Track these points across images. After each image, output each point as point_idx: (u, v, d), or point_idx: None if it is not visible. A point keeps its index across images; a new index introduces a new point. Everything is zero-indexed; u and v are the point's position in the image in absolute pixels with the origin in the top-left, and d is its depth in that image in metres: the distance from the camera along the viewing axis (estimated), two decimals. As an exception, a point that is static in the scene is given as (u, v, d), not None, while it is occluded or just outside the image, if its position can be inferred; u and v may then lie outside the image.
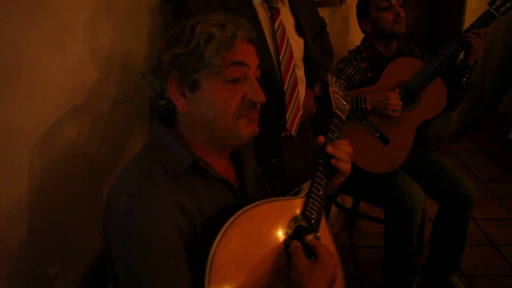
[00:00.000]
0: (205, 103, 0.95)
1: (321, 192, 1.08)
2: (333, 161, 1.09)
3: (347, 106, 1.23)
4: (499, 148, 3.98)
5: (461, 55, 2.04)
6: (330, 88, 1.22)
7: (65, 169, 1.44)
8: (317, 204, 1.06)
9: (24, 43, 1.28)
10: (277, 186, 1.54)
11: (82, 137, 1.46)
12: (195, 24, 0.94)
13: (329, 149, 1.09)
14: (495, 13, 1.90)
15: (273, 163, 1.59)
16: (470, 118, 4.54)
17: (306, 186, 1.09)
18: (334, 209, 2.59)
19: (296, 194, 1.08)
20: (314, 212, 1.05)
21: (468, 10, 3.76)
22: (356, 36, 2.31)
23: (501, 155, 3.86)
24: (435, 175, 2.11)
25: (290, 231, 0.98)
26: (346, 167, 1.10)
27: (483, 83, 4.52)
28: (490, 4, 1.91)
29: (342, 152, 1.09)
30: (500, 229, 2.81)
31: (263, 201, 0.97)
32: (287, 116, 1.54)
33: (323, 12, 2.22)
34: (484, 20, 1.92)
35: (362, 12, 2.16)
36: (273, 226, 0.97)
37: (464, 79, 2.04)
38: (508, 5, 1.89)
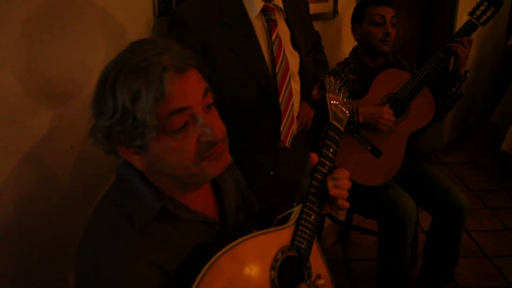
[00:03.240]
0: (160, 160, 0.88)
1: (312, 218, 1.02)
2: (339, 202, 1.02)
3: (346, 112, 1.13)
4: (491, 159, 4.04)
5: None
6: (327, 94, 1.11)
7: (57, 184, 1.45)
8: (307, 231, 1.01)
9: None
10: (271, 198, 1.57)
11: (75, 151, 1.47)
12: (114, 83, 0.83)
13: (333, 191, 1.01)
14: (477, 23, 1.96)
15: (270, 175, 1.61)
16: (462, 130, 4.61)
17: (296, 210, 1.03)
18: (327, 221, 2.61)
19: (287, 217, 1.04)
20: (303, 241, 1.00)
21: (459, 22, 3.85)
22: (348, 48, 2.35)
23: (493, 166, 3.92)
24: (428, 186, 2.15)
25: (277, 265, 0.94)
26: (346, 205, 1.04)
27: (474, 94, 4.59)
28: (471, 14, 1.98)
29: (345, 192, 1.03)
30: (493, 240, 2.85)
31: (247, 237, 0.91)
32: (281, 128, 1.57)
33: (316, 25, 2.26)
34: (466, 29, 1.98)
35: (356, 19, 2.21)
36: (257, 263, 0.91)
37: (454, 89, 2.08)
38: (488, 14, 1.96)
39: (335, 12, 2.50)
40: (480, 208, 3.25)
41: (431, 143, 4.22)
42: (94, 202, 1.53)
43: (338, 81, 2.04)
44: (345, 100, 1.14)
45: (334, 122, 1.08)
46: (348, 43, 2.36)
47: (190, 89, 0.87)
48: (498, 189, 3.55)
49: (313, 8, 2.30)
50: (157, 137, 0.84)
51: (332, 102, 1.10)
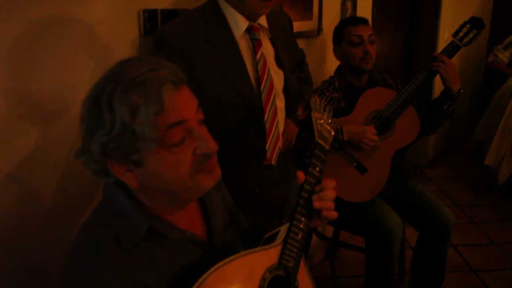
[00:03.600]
0: (156, 175, 0.88)
1: (299, 236, 1.03)
2: (323, 213, 1.04)
3: (331, 131, 1.14)
4: (475, 174, 4.09)
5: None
6: (313, 113, 1.12)
7: (39, 204, 1.43)
8: (295, 250, 1.01)
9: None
10: (258, 216, 1.57)
11: (59, 171, 1.47)
12: (110, 98, 0.83)
13: (316, 204, 1.02)
14: (459, 44, 2.02)
15: (255, 192, 1.62)
16: (446, 145, 4.67)
17: (284, 229, 1.03)
18: (315, 238, 2.61)
19: (274, 236, 1.04)
20: (291, 259, 1.01)
21: (441, 40, 3.94)
22: (333, 66, 2.39)
23: (478, 181, 3.97)
24: (413, 202, 2.17)
25: (265, 284, 0.94)
26: (334, 215, 1.05)
27: (458, 110, 4.66)
28: (454, 35, 2.04)
29: (330, 203, 1.04)
30: (479, 254, 2.88)
31: (235, 256, 0.92)
32: (267, 146, 1.58)
33: (300, 43, 2.30)
34: (449, 50, 2.03)
35: (336, 40, 2.26)
36: (245, 283, 0.91)
37: (446, 106, 2.11)
38: (471, 36, 2.03)
39: (319, 30, 2.54)
40: (466, 223, 3.29)
41: (416, 158, 4.27)
42: (78, 222, 1.52)
43: (322, 100, 2.09)
44: (329, 120, 1.15)
45: (319, 141, 1.09)
46: (332, 61, 2.39)
47: (186, 102, 0.89)
48: (483, 203, 3.60)
49: (298, 26, 2.34)
50: (155, 151, 0.85)
51: (317, 121, 1.11)
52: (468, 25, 2.04)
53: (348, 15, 2.76)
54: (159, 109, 0.83)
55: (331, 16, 2.65)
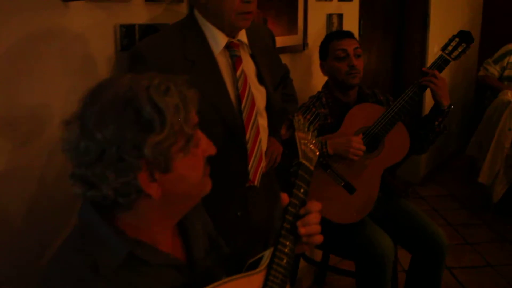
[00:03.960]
0: (181, 179, 0.92)
1: (284, 261, 1.03)
2: (304, 239, 1.05)
3: (316, 151, 1.16)
4: (469, 192, 4.14)
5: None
6: (296, 133, 1.14)
7: (9, 227, 1.42)
8: (279, 276, 1.01)
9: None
10: (241, 242, 1.57)
11: (30, 192, 1.45)
12: (150, 98, 0.86)
13: (302, 230, 1.04)
14: (448, 58, 2.07)
15: (238, 216, 1.62)
16: (438, 162, 4.72)
17: (268, 254, 1.03)
18: (302, 263, 2.61)
19: (257, 261, 1.04)
20: (275, 286, 1.01)
21: (431, 54, 4.01)
22: (319, 81, 2.42)
23: (471, 199, 4.01)
24: (405, 223, 2.18)
25: None
26: (320, 239, 1.07)
27: (449, 126, 4.73)
28: (443, 49, 2.09)
29: (315, 227, 1.06)
30: (475, 277, 2.89)
31: (217, 284, 0.93)
32: (249, 166, 1.58)
33: (285, 58, 2.32)
34: (439, 64, 2.08)
35: (322, 56, 2.30)
36: None
37: (437, 123, 2.14)
38: (460, 49, 2.08)
39: (305, 44, 2.58)
40: (460, 244, 3.31)
41: (407, 176, 4.31)
42: (49, 249, 1.51)
43: (307, 118, 2.12)
44: (314, 140, 1.17)
45: (304, 161, 1.10)
46: (319, 76, 2.42)
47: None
48: (477, 223, 3.63)
49: (282, 40, 2.37)
50: (184, 153, 0.90)
51: (301, 141, 1.13)
52: (457, 39, 2.09)
53: (334, 29, 2.81)
54: (189, 108, 0.90)
55: (317, 30, 2.69)
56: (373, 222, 2.11)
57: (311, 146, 1.14)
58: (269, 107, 1.67)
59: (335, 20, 2.82)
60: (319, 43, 2.34)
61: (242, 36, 1.58)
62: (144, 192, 0.88)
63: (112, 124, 0.84)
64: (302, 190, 1.07)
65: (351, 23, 3.03)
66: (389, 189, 2.26)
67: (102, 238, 0.90)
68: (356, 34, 2.87)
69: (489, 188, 3.63)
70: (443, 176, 4.59)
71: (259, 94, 1.62)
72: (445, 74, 2.10)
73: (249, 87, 1.55)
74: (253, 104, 1.56)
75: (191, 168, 0.93)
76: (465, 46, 2.08)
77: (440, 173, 4.65)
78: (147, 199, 0.90)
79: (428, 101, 3.79)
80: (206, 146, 0.97)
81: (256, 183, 1.62)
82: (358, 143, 2.00)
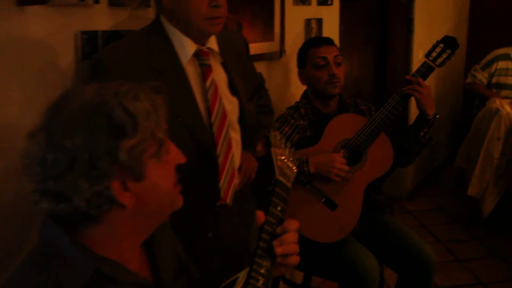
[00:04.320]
0: (154, 187, 0.94)
1: (260, 283, 1.03)
2: (279, 260, 1.05)
3: (294, 168, 1.18)
4: (458, 206, 4.19)
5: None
6: (272, 149, 1.16)
7: None
8: None
9: None
10: (214, 264, 1.56)
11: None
12: (121, 103, 0.88)
13: (278, 250, 1.05)
14: (433, 65, 2.11)
15: (209, 237, 1.61)
16: (426, 175, 4.77)
17: (242, 276, 1.04)
18: (282, 286, 2.60)
19: (231, 284, 1.05)
20: None
21: (415, 60, 4.08)
22: (298, 91, 2.44)
23: (461, 214, 4.06)
24: (390, 240, 2.20)
25: None
26: (296, 260, 1.08)
27: (437, 136, 4.80)
28: (426, 56, 2.13)
29: (292, 246, 1.07)
30: (465, 296, 2.93)
31: None
32: (220, 183, 1.58)
33: (260, 67, 2.34)
34: (423, 72, 2.11)
35: (300, 63, 2.31)
36: None
37: (422, 133, 2.16)
38: (444, 56, 2.12)
39: (282, 51, 2.60)
40: (450, 261, 3.34)
41: (394, 190, 4.34)
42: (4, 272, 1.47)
43: (285, 131, 2.12)
44: (291, 157, 1.18)
45: (280, 178, 1.11)
46: (297, 85, 2.44)
47: None
48: (468, 238, 3.68)
49: (258, 47, 2.39)
50: (156, 159, 0.92)
51: (278, 157, 1.14)
52: (441, 45, 2.13)
53: (313, 34, 2.84)
54: (162, 114, 0.94)
55: (295, 36, 2.72)
56: (356, 241, 2.12)
57: (289, 163, 1.16)
58: (242, 120, 1.67)
59: (314, 25, 2.85)
60: (297, 50, 2.36)
61: (212, 43, 1.58)
62: (117, 201, 0.89)
63: (82, 130, 0.85)
64: (279, 208, 1.09)
65: (331, 29, 3.06)
66: (373, 205, 2.27)
67: (66, 256, 0.90)
68: (336, 40, 2.91)
69: (479, 201, 3.68)
70: (431, 190, 4.64)
71: (231, 106, 1.62)
72: (431, 81, 2.13)
73: (220, 98, 1.55)
74: (224, 116, 1.56)
75: (163, 175, 0.96)
76: (450, 52, 2.12)
77: (428, 186, 4.71)
78: (118, 211, 0.91)
79: (414, 110, 3.84)
80: (175, 154, 1.00)
81: (228, 201, 1.62)
82: (341, 163, 2.02)
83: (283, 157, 1.15)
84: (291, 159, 1.18)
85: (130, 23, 1.74)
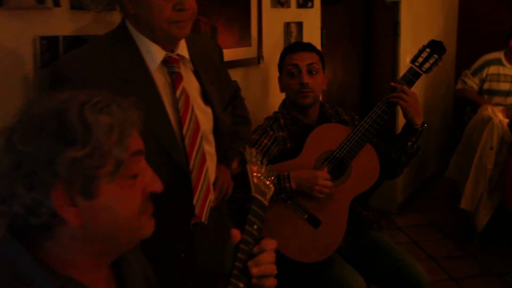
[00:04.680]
0: (106, 210, 0.93)
1: None
2: (254, 281, 1.06)
3: (271, 186, 1.20)
4: (451, 220, 4.23)
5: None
6: (248, 166, 1.19)
7: None
8: None
9: None
10: (187, 287, 1.55)
11: None
12: (80, 112, 0.89)
13: (254, 270, 1.06)
14: (419, 71, 2.14)
15: (181, 258, 1.59)
16: (416, 187, 4.82)
17: None
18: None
19: None
20: None
21: (402, 66, 4.11)
22: (277, 100, 2.45)
23: (454, 228, 4.10)
24: (379, 259, 2.20)
25: None
26: (273, 283, 1.09)
27: (427, 146, 4.85)
28: (412, 62, 2.17)
29: (269, 267, 1.08)
30: (460, 318, 2.95)
31: None
32: (194, 200, 1.57)
33: (237, 74, 2.35)
34: (409, 78, 2.14)
35: (279, 69, 2.33)
36: None
37: (410, 143, 2.18)
38: (431, 61, 2.15)
39: (259, 57, 2.61)
40: (443, 280, 3.36)
41: (382, 205, 4.36)
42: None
43: (264, 143, 2.12)
44: (268, 174, 1.21)
45: (257, 196, 1.14)
46: (276, 94, 2.45)
47: (139, 137, 1.00)
48: (462, 254, 3.71)
49: (233, 53, 2.40)
50: (113, 179, 0.91)
51: (253, 174, 1.17)
52: (427, 49, 2.17)
53: (293, 39, 2.86)
54: (130, 132, 0.93)
55: (273, 41, 2.74)
56: (342, 260, 2.12)
57: (265, 181, 1.19)
58: (216, 131, 1.67)
59: (293, 29, 2.88)
60: (275, 56, 2.38)
61: (182, 50, 1.58)
62: (58, 215, 0.89)
63: (34, 135, 0.88)
64: (255, 227, 1.10)
65: (312, 33, 3.09)
66: (360, 221, 2.28)
67: (25, 275, 0.89)
68: (317, 44, 2.94)
69: (472, 214, 3.72)
70: (422, 203, 4.68)
71: (205, 116, 1.62)
72: (419, 88, 2.16)
73: (192, 108, 1.55)
74: (197, 127, 1.56)
75: (121, 199, 0.93)
76: (437, 57, 2.16)
77: (419, 199, 4.75)
78: (66, 227, 0.91)
79: (402, 118, 3.87)
80: (149, 181, 0.98)
81: (203, 219, 1.61)
82: (324, 180, 2.03)
83: (259, 174, 1.18)
84: (269, 178, 1.21)
85: (93, 28, 1.73)
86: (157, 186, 1.00)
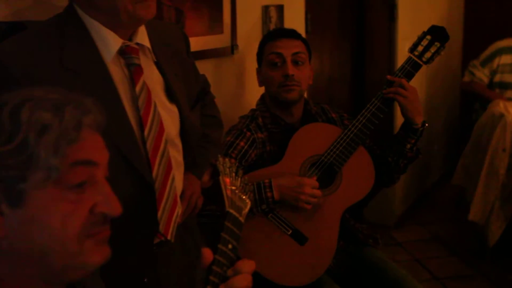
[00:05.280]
0: (35, 223, 0.91)
1: None
2: None
3: (247, 201, 1.21)
4: (458, 234, 4.28)
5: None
6: (221, 177, 1.20)
7: None
8: None
9: None
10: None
11: None
12: (18, 108, 0.91)
13: None
14: (419, 61, 2.16)
15: (144, 283, 1.59)
16: (418, 196, 4.86)
17: None
18: None
19: None
20: None
21: (400, 55, 4.13)
22: (255, 96, 2.45)
23: (462, 243, 4.14)
24: (374, 280, 2.22)
25: None
26: None
27: (430, 149, 4.89)
28: (411, 51, 2.18)
29: None
30: None
31: None
32: (159, 214, 1.56)
33: (207, 66, 2.35)
34: (407, 70, 2.16)
35: (258, 60, 2.34)
36: None
37: (408, 146, 2.19)
38: (433, 50, 2.17)
39: (233, 46, 2.61)
40: (450, 303, 3.41)
41: (378, 217, 4.39)
42: None
43: (240, 145, 2.12)
44: (245, 188, 1.22)
45: (231, 211, 1.14)
46: (254, 89, 2.45)
47: (101, 149, 1.01)
48: (471, 274, 3.74)
49: (203, 42, 2.39)
50: (44, 188, 0.90)
51: (227, 186, 1.18)
52: (428, 37, 2.18)
53: (272, 25, 2.86)
54: (73, 138, 0.92)
55: (249, 27, 2.74)
56: (332, 281, 2.13)
57: (241, 194, 1.20)
58: (183, 133, 1.66)
59: (273, 13, 2.88)
60: (252, 45, 2.38)
61: (142, 37, 1.57)
62: None
63: None
64: (230, 246, 1.11)
65: (295, 17, 3.11)
66: (353, 236, 2.30)
67: None
68: (302, 31, 2.94)
69: (483, 227, 3.75)
70: (425, 215, 4.72)
71: (170, 116, 1.61)
72: (420, 81, 2.18)
73: (155, 106, 1.54)
74: (161, 129, 1.55)
75: (56, 213, 0.92)
76: (438, 45, 2.18)
77: (421, 211, 4.79)
78: None
79: (400, 116, 3.90)
80: (102, 199, 0.97)
81: (169, 237, 1.61)
82: (311, 188, 2.03)
83: (233, 188, 1.19)
84: (246, 187, 1.23)
85: (34, 12, 1.71)
86: (112, 208, 0.98)
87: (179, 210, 1.65)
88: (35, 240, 0.92)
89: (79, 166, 0.93)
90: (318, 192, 2.05)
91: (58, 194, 0.92)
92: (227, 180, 1.20)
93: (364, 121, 2.12)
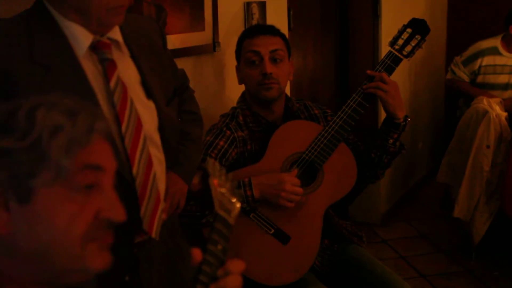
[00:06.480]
0: (40, 220, 0.94)
1: None
2: None
3: (237, 204, 1.21)
4: (444, 231, 4.31)
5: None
6: (210, 179, 1.20)
7: None
8: None
9: None
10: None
11: None
12: (34, 109, 0.95)
13: None
14: (399, 55, 2.16)
15: (125, 282, 1.59)
16: (403, 193, 4.89)
17: None
18: None
19: None
20: None
21: (384, 51, 4.14)
22: (236, 93, 2.45)
23: (449, 240, 4.18)
24: (360, 278, 2.23)
25: None
26: None
27: (414, 145, 4.91)
28: (391, 45, 2.18)
29: None
30: None
31: None
32: (141, 212, 1.56)
33: (188, 63, 2.35)
34: (387, 64, 2.16)
35: (237, 57, 2.33)
36: None
37: (391, 141, 2.19)
38: (413, 43, 2.17)
39: (215, 44, 2.61)
40: (436, 301, 3.43)
41: (364, 215, 4.41)
42: None
43: (220, 145, 2.12)
44: (234, 191, 1.22)
45: (220, 213, 1.15)
46: (234, 86, 2.45)
47: (110, 156, 1.03)
48: (457, 271, 3.77)
49: (184, 39, 2.39)
50: (53, 187, 0.93)
51: (217, 188, 1.18)
52: (408, 30, 2.18)
53: (255, 21, 2.86)
54: (84, 141, 0.96)
55: (231, 24, 2.74)
56: (317, 280, 2.14)
57: (231, 198, 1.20)
58: (161, 130, 1.66)
59: (255, 10, 2.88)
60: (234, 42, 2.37)
61: (114, 32, 1.56)
62: None
63: None
64: (219, 247, 1.12)
65: (278, 13, 3.11)
66: (337, 234, 2.30)
67: None
68: (284, 28, 2.95)
69: (468, 224, 3.78)
70: (410, 212, 4.75)
71: (147, 111, 1.60)
72: (404, 78, 2.18)
73: (131, 102, 1.53)
74: (138, 125, 1.54)
75: (62, 213, 0.94)
76: (419, 38, 2.17)
77: (406, 208, 4.82)
78: None
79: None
80: (106, 204, 0.99)
81: (153, 235, 1.60)
82: (292, 185, 2.03)
83: (223, 190, 1.20)
84: (235, 189, 1.23)
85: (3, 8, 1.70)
86: (116, 214, 1.00)
87: (162, 207, 1.64)
88: (39, 239, 0.94)
89: (87, 169, 0.96)
90: (299, 189, 2.04)
91: (65, 194, 0.95)
92: (216, 181, 1.20)
93: (345, 117, 2.12)
